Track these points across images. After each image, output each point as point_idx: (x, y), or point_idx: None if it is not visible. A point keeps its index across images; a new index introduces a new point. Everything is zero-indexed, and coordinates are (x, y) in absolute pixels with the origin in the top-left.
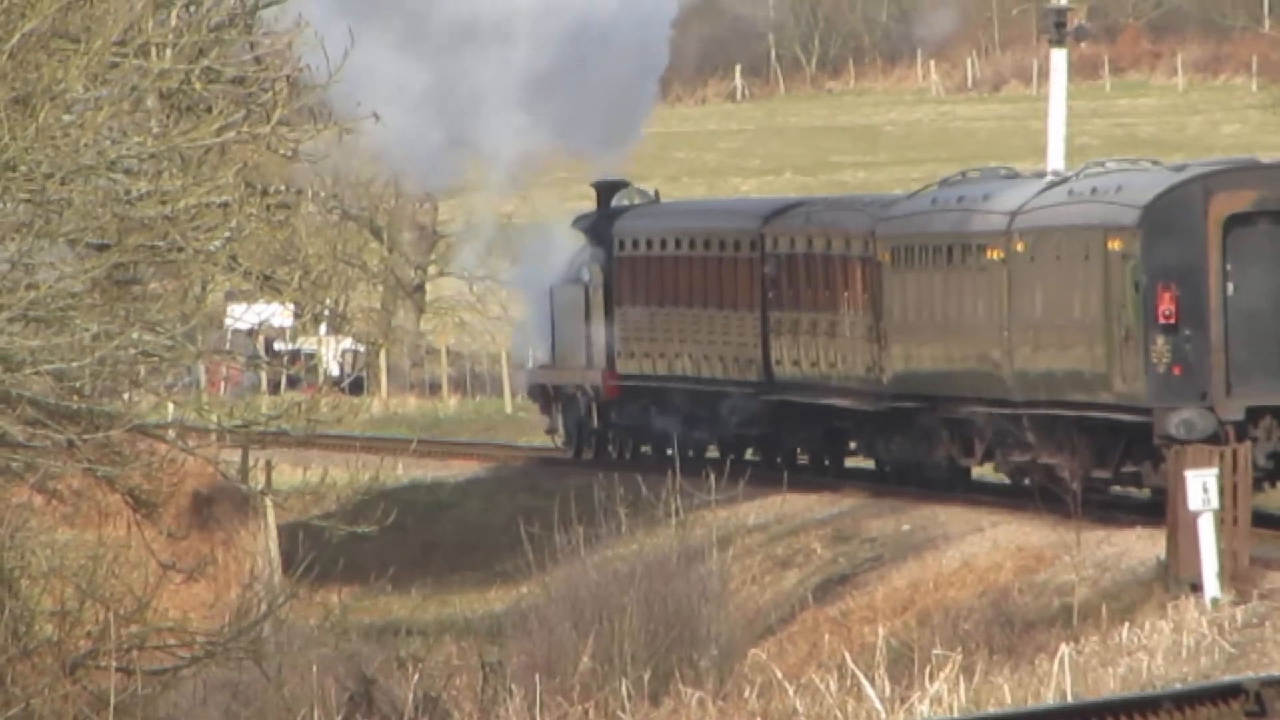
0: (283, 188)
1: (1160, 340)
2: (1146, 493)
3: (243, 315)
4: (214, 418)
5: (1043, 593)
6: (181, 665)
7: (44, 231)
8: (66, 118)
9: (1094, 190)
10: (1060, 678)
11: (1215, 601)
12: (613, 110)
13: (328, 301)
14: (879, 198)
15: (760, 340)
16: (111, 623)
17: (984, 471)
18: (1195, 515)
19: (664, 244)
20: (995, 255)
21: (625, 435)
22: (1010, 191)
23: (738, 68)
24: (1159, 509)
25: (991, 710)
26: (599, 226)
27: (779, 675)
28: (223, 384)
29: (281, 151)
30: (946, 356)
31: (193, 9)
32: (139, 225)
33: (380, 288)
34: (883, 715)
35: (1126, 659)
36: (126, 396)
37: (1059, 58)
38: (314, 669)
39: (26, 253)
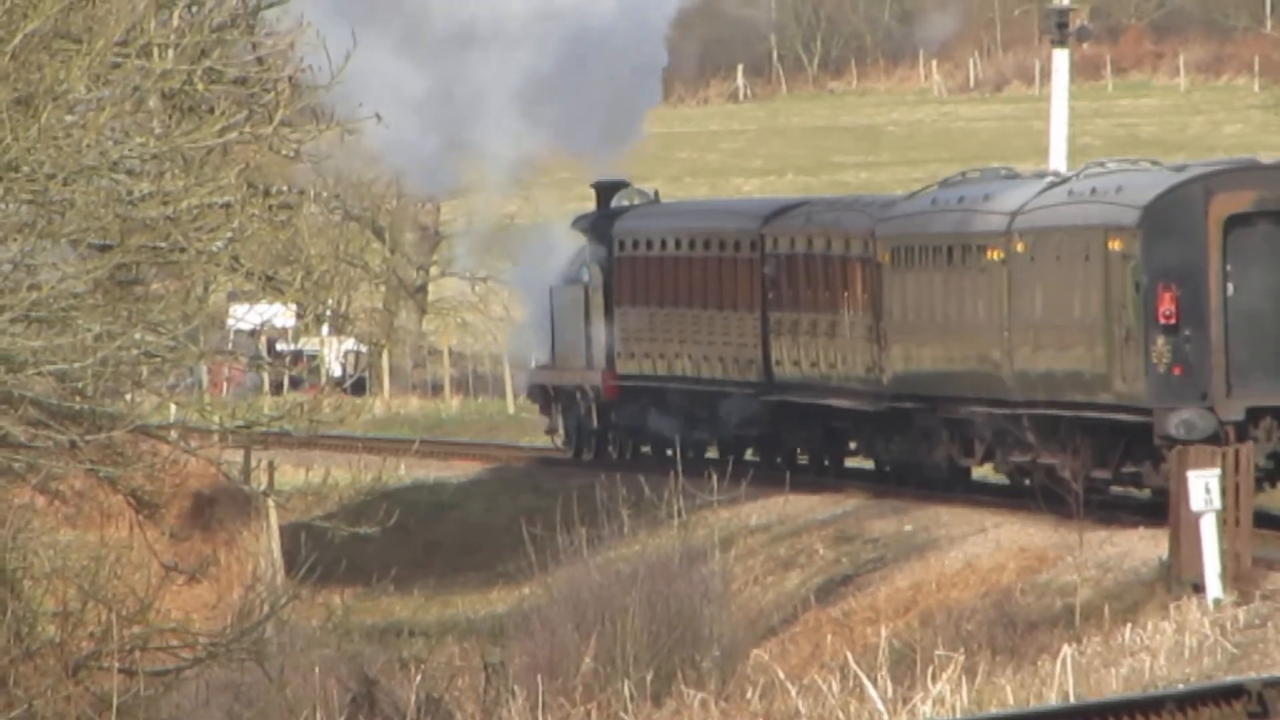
0: (285, 188)
1: (1160, 340)
2: (1146, 493)
3: (245, 316)
4: (216, 418)
5: (1045, 593)
6: (184, 666)
7: (46, 232)
8: (69, 118)
9: (1094, 190)
10: (1063, 678)
11: (1217, 602)
12: (612, 111)
13: (330, 302)
14: (879, 198)
15: (760, 341)
16: (114, 624)
17: (984, 472)
18: (1197, 516)
19: (664, 244)
20: (995, 255)
21: (625, 436)
22: (1010, 192)
23: (740, 68)
24: (1161, 509)
25: (994, 711)
26: (599, 227)
27: (781, 676)
28: (225, 385)
29: (284, 152)
30: (947, 357)
31: (195, 9)
32: (141, 226)
33: (382, 288)
34: (885, 716)
35: (1129, 660)
36: (129, 397)
37: (1061, 58)
38: (316, 670)
39: (29, 253)
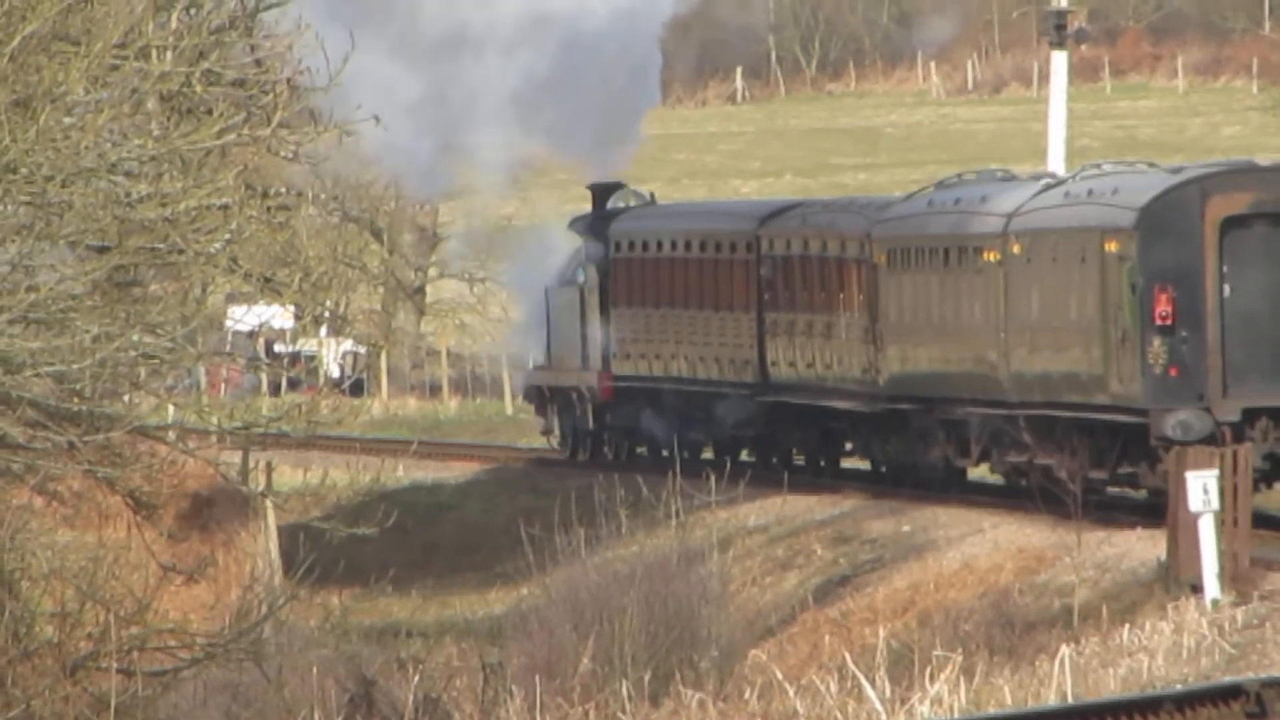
0: (283, 190)
1: (1157, 342)
2: (1143, 494)
3: (243, 317)
4: (214, 419)
5: (1043, 594)
6: (182, 667)
7: (44, 234)
8: (67, 120)
9: (1090, 192)
10: (1061, 679)
11: (1216, 602)
12: (606, 115)
13: (328, 303)
14: (874, 199)
15: (756, 342)
16: (112, 624)
17: (979, 472)
18: (1196, 516)
19: (660, 246)
20: (992, 257)
21: (621, 437)
22: (1007, 194)
23: (738, 70)
24: (1159, 510)
25: (992, 711)
26: (595, 228)
27: (779, 676)
28: (223, 386)
29: (282, 154)
30: (943, 358)
31: (193, 12)
32: (139, 227)
33: (381, 289)
34: (883, 716)
35: (1127, 660)
36: (127, 398)
37: (1059, 60)
38: (314, 670)
39: (27, 255)
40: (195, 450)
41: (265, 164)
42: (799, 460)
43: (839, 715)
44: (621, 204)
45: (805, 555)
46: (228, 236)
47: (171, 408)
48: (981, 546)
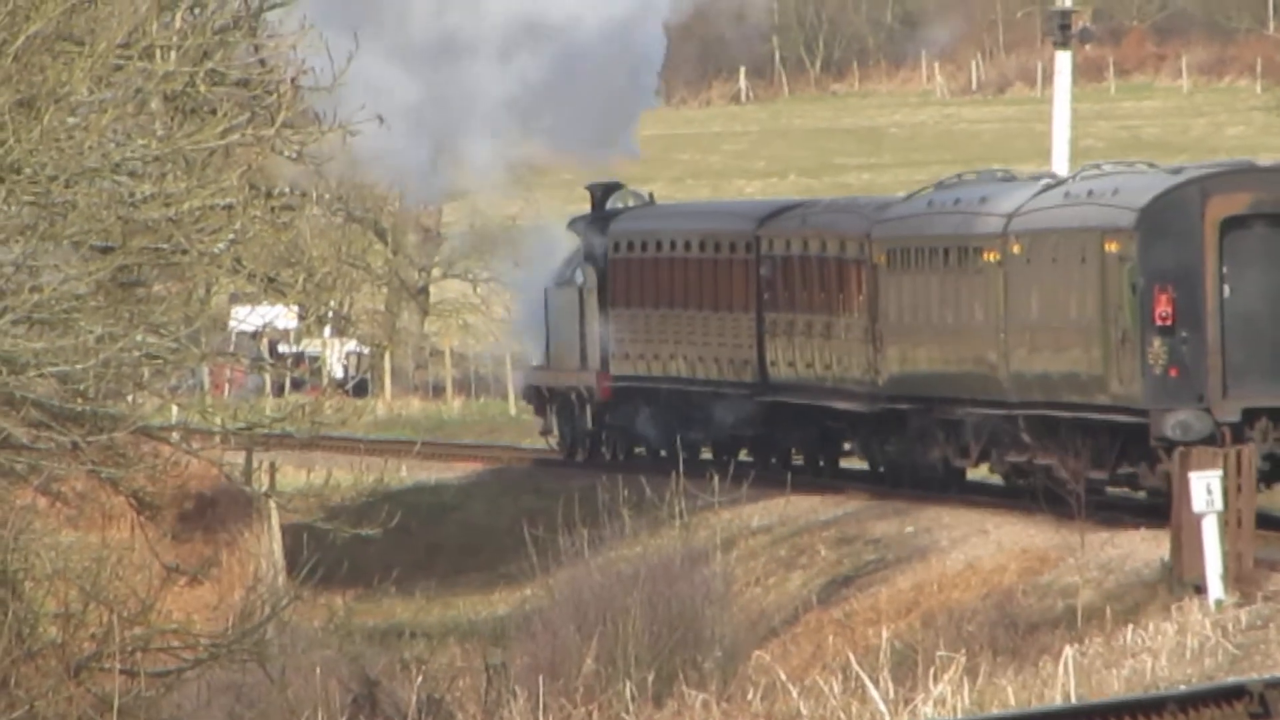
0: (287, 190)
1: (1157, 342)
2: (1142, 494)
3: (247, 317)
4: (218, 420)
5: (1047, 594)
6: (185, 667)
7: (48, 234)
8: (71, 120)
9: (1090, 193)
10: (1064, 679)
11: (1219, 603)
12: (604, 114)
13: (332, 304)
14: (874, 200)
15: (755, 342)
16: (115, 625)
17: (979, 473)
18: (1199, 517)
19: (659, 246)
20: (992, 257)
21: (620, 437)
22: (1007, 194)
23: (742, 70)
24: (1162, 511)
25: (995, 712)
26: (594, 228)
27: (783, 677)
28: (227, 386)
29: (286, 154)
30: (942, 358)
31: (197, 12)
32: (143, 228)
33: (384, 290)
34: (887, 717)
35: (1130, 661)
36: (130, 399)
37: (1064, 60)
38: (318, 671)
39: (31, 255)
40: (199, 451)
41: (269, 164)
42: (798, 460)
43: (842, 716)
44: (620, 204)
45: (809, 556)
46: (231, 237)
47: (175, 408)
48: (985, 547)
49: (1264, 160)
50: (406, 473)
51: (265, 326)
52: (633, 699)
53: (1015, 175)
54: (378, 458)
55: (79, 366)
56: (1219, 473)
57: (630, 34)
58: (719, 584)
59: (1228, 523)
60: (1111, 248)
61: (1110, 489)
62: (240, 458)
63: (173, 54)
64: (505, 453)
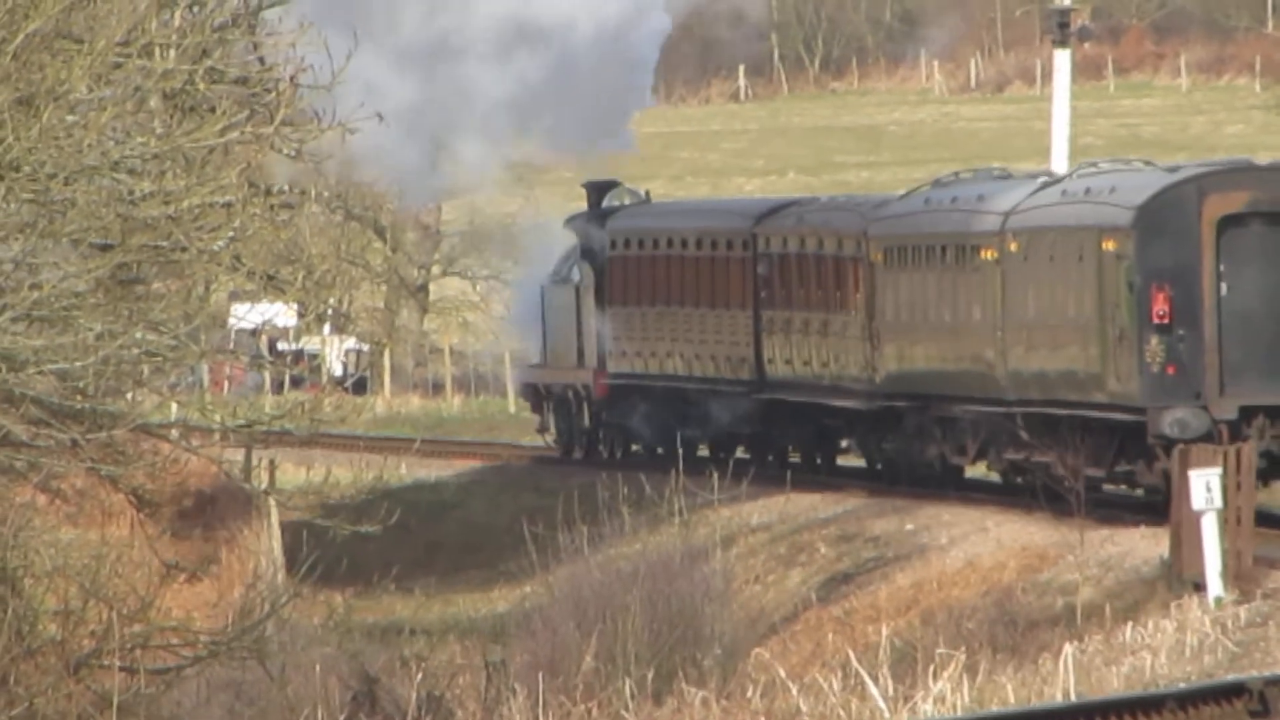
0: (286, 188)
1: (1154, 340)
2: (1140, 492)
3: (246, 315)
4: (217, 417)
5: (1046, 592)
6: (185, 664)
7: (48, 231)
8: (70, 118)
9: (1088, 191)
10: (1064, 677)
11: (1219, 601)
12: (600, 114)
13: (331, 301)
14: (871, 198)
15: (753, 339)
16: (115, 622)
17: (976, 470)
18: (1199, 514)
19: (656, 244)
20: (989, 255)
21: (616, 435)
22: (1004, 192)
23: (741, 68)
24: (1162, 508)
25: (995, 709)
26: (591, 226)
27: (782, 674)
28: (226, 384)
29: (285, 152)
30: (940, 356)
31: (196, 9)
32: (142, 225)
33: (384, 287)
34: (886, 714)
35: (1130, 658)
36: (130, 396)
37: (1062, 58)
38: (317, 668)
39: (30, 252)
40: (198, 448)
41: (268, 162)
42: (794, 458)
43: (842, 713)
44: (617, 202)
45: (808, 553)
46: (231, 234)
47: (174, 405)
48: (984, 545)
49: (1262, 159)
50: (406, 470)
51: (264, 324)
52: (632, 696)
53: (1012, 173)
54: (377, 455)
55: (78, 364)
56: (1218, 470)
57: (625, 35)
58: (718, 581)
59: (1227, 520)
60: (1109, 246)
61: (1108, 486)
62: (240, 455)
63: (172, 52)
64: (505, 450)
